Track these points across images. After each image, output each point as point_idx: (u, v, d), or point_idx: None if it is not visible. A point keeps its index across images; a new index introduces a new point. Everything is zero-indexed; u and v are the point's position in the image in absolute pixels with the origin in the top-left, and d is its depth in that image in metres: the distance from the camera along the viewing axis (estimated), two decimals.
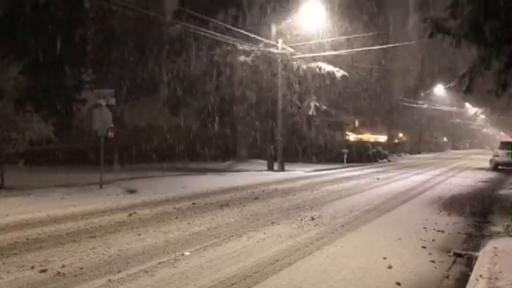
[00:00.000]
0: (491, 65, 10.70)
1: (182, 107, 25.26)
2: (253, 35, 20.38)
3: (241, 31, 19.98)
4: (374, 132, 45.31)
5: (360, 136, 41.72)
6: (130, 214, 9.00)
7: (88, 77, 24.77)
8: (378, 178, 18.59)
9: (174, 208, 9.90)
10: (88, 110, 21.06)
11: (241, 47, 21.66)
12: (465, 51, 11.94)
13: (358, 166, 26.82)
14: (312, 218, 8.90)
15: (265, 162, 22.89)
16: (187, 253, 6.16)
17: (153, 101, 25.70)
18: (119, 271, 5.33)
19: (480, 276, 5.16)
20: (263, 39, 21.23)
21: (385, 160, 34.56)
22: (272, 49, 21.75)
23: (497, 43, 9.66)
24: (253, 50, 22.04)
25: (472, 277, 5.26)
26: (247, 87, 23.81)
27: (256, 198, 11.64)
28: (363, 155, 31.55)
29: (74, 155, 20.27)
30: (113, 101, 13.49)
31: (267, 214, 9.35)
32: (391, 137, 46.17)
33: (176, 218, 8.74)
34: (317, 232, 7.75)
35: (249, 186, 14.48)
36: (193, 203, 10.55)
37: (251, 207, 10.24)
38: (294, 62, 23.00)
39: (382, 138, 45.60)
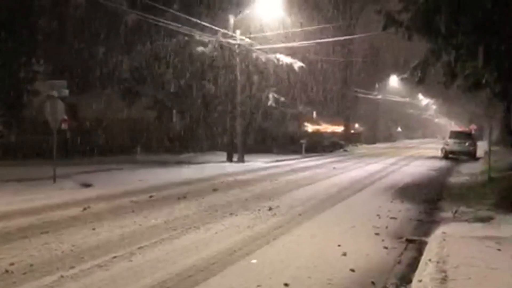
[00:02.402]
0: (441, 58, 11.08)
1: (140, 98, 24.72)
2: (210, 26, 20.18)
3: (199, 21, 19.74)
4: (331, 123, 46.03)
5: (318, 127, 42.29)
6: (85, 209, 8.76)
7: (40, 68, 23.76)
8: (334, 168, 18.96)
9: (131, 201, 9.72)
10: (40, 102, 20.25)
11: (198, 38, 21.43)
12: (419, 44, 12.28)
13: (316, 156, 27.26)
14: (270, 208, 8.99)
15: (224, 153, 22.84)
16: (143, 247, 6.08)
17: (109, 92, 25.02)
18: (72, 267, 5.19)
19: (430, 260, 5.37)
20: (220, 30, 21.06)
21: (341, 150, 35.28)
22: (230, 40, 21.64)
23: (446, 36, 10.00)
24: (211, 41, 21.85)
25: (422, 262, 5.48)
26: (206, 78, 23.61)
27: (215, 190, 11.61)
28: (321, 145, 32.11)
29: (28, 148, 19.47)
30: (66, 93, 13.05)
31: (226, 205, 9.36)
32: (347, 128, 47.09)
33: (133, 211, 8.59)
34: (274, 222, 7.84)
35: (208, 178, 14.43)
36: (151, 196, 10.39)
37: (210, 198, 10.21)
38: (253, 54, 23.00)
39: (339, 129, 46.43)
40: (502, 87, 11.02)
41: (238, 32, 21.71)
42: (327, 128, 44.21)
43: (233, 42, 21.64)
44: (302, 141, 28.97)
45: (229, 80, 22.83)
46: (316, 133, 37.61)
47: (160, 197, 10.45)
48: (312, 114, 41.67)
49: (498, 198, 9.33)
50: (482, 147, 25.82)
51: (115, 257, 5.59)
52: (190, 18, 19.51)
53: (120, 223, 7.52)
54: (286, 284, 4.73)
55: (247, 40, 21.96)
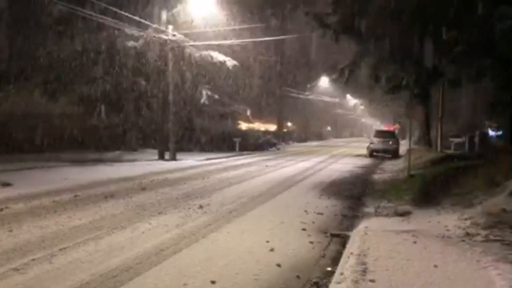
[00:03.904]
0: (366, 60, 11.62)
1: (66, 93, 23.54)
2: (140, 19, 19.67)
3: (129, 15, 19.18)
4: (264, 121, 46.69)
5: (251, 125, 42.73)
6: (1, 209, 8.21)
7: None
8: (267, 165, 19.25)
9: (53, 201, 9.24)
10: None
11: (129, 32, 20.82)
12: (348, 46, 12.77)
13: (249, 154, 27.51)
14: (201, 206, 8.95)
15: (156, 151, 22.39)
16: (65, 248, 5.82)
17: (32, 87, 23.56)
18: None
19: (351, 253, 5.63)
20: (151, 24, 20.60)
21: (274, 148, 35.87)
22: (163, 35, 21.24)
23: (371, 40, 10.50)
24: (142, 36, 21.32)
25: (344, 255, 5.73)
26: (137, 74, 23.00)
27: (144, 189, 11.35)
28: (254, 143, 32.44)
29: None
30: None
31: (155, 204, 9.18)
32: (280, 126, 47.99)
33: (55, 211, 8.18)
34: (204, 220, 7.82)
35: (138, 176, 14.06)
36: (76, 195, 9.95)
37: (138, 197, 9.97)
38: (186, 50, 22.74)
39: (272, 127, 47.20)
40: (421, 89, 11.75)
41: (170, 27, 21.36)
42: (260, 126, 44.78)
43: (165, 37, 21.26)
44: (235, 139, 29.10)
45: (161, 76, 22.39)
46: (250, 131, 37.95)
47: (86, 196, 10.03)
48: (246, 112, 42.01)
49: (416, 194, 9.94)
50: (404, 145, 27.37)
51: (33, 259, 5.31)
52: (120, 11, 18.90)
53: (41, 224, 7.13)
54: (213, 282, 4.75)
55: (180, 36, 21.67)
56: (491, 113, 12.20)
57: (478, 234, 6.40)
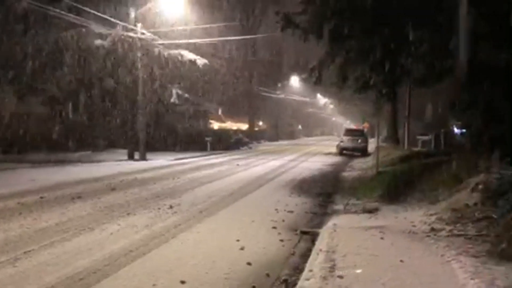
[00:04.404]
0: (335, 60, 11.78)
1: (31, 92, 22.87)
2: (108, 17, 19.33)
3: (97, 13, 18.81)
4: (236, 120, 46.68)
5: (223, 124, 42.66)
6: None
7: None
8: (238, 165, 19.26)
9: (18, 203, 8.97)
10: None
11: (97, 30, 20.42)
12: (318, 46, 12.86)
13: (221, 153, 27.43)
14: (171, 206, 8.88)
15: (125, 151, 22.06)
16: (30, 251, 5.67)
17: None
18: None
19: (320, 250, 5.71)
20: (120, 22, 20.27)
21: (246, 147, 35.89)
22: (131, 34, 20.93)
23: (339, 40, 10.66)
24: (110, 34, 20.95)
25: (313, 252, 5.80)
26: (105, 73, 22.59)
27: (113, 189, 11.16)
28: (225, 142, 32.37)
29: None
30: None
31: (124, 205, 9.04)
32: (252, 126, 48.06)
33: (20, 214, 7.95)
34: (174, 220, 7.77)
35: (107, 176, 13.82)
36: (41, 197, 9.69)
37: (107, 198, 9.79)
38: (156, 49, 22.48)
39: (244, 126, 47.23)
40: (388, 89, 12.00)
41: (139, 25, 21.07)
42: (232, 125, 44.74)
43: (134, 36, 20.96)
44: (207, 138, 28.96)
45: (130, 75, 22.07)
46: (222, 131, 37.87)
47: (53, 197, 9.78)
48: (218, 111, 41.90)
49: (384, 191, 10.15)
50: (373, 143, 27.83)
51: None
52: (87, 9, 18.51)
53: (4, 227, 6.92)
54: (182, 282, 4.73)
55: (149, 34, 21.40)
56: (454, 112, 12.60)
57: (442, 229, 6.58)
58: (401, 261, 5.16)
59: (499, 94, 8.37)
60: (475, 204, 6.98)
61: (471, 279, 4.56)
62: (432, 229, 6.62)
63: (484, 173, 7.60)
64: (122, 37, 20.93)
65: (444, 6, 8.06)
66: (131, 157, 21.40)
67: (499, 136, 8.41)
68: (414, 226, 6.97)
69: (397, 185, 10.00)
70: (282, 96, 54.41)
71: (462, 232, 6.34)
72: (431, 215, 7.40)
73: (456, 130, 22.30)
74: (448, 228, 6.59)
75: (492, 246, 5.50)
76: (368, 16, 9.57)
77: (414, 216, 7.60)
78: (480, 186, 7.20)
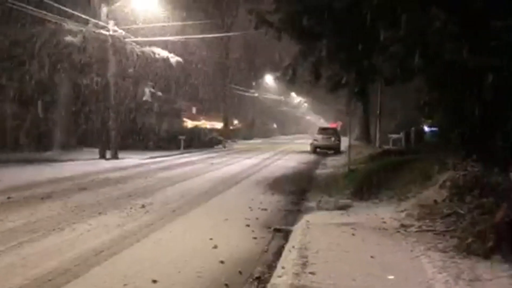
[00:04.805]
0: (308, 58, 11.83)
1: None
2: (80, 14, 18.95)
3: (67, 9, 18.40)
4: (211, 119, 46.44)
5: (197, 123, 42.34)
6: None
7: None
8: (212, 163, 19.18)
9: None
10: None
11: (67, 27, 19.99)
12: (292, 45, 12.88)
13: (195, 152, 27.25)
14: (143, 206, 8.78)
15: (97, 150, 21.66)
16: None
17: None
18: None
19: (293, 247, 5.76)
20: (91, 19, 19.89)
21: (220, 145, 35.74)
22: (103, 31, 20.55)
23: (311, 39, 10.72)
24: (81, 30, 20.54)
25: (286, 249, 5.85)
26: (76, 70, 22.11)
27: (84, 189, 10.95)
28: (200, 141, 32.17)
29: None
30: None
31: (95, 204, 8.89)
32: (227, 124, 47.93)
33: None
34: (146, 219, 7.68)
35: (77, 176, 13.54)
36: (9, 198, 9.42)
37: (77, 198, 9.60)
38: (128, 46, 22.16)
39: (218, 125, 47.05)
40: (360, 87, 12.15)
41: (111, 22, 20.70)
42: (206, 124, 44.50)
43: (106, 33, 20.59)
44: (181, 137, 28.71)
45: (102, 73, 21.67)
46: (196, 129, 37.58)
47: (21, 198, 9.53)
48: (192, 110, 41.61)
49: (355, 188, 10.30)
50: (345, 142, 28.17)
51: None
52: (58, 5, 18.08)
53: None
54: (154, 281, 4.69)
55: (121, 31, 21.07)
56: (424, 111, 12.89)
57: (412, 225, 6.74)
58: (372, 257, 5.25)
59: (467, 93, 8.60)
60: (443, 200, 7.15)
61: (439, 273, 4.69)
62: (402, 225, 6.76)
63: (452, 170, 7.79)
64: (94, 34, 20.53)
65: (411, 7, 8.23)
66: (102, 156, 21.02)
67: (466, 134, 8.64)
68: (384, 222, 7.10)
69: (369, 183, 10.17)
70: (256, 94, 54.50)
71: (431, 228, 6.50)
72: (401, 211, 7.56)
73: (426, 128, 22.82)
74: (417, 224, 6.75)
75: (459, 241, 5.66)
76: (340, 15, 9.66)
77: (385, 212, 7.75)
78: (448, 183, 7.38)
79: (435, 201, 7.25)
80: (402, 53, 9.04)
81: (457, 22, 8.04)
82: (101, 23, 20.33)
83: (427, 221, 6.78)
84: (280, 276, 4.69)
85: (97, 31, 20.38)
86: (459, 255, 5.29)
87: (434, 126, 16.75)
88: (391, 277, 4.59)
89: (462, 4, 7.38)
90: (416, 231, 6.45)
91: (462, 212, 6.47)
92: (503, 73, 7.44)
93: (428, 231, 6.41)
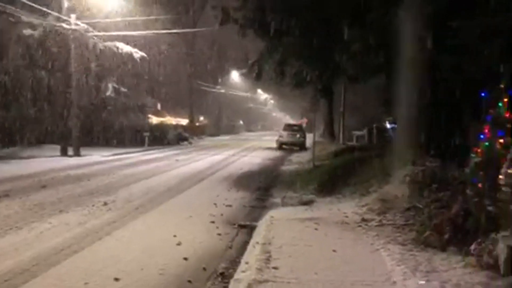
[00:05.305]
0: (273, 56, 11.92)
1: None
2: (40, 7, 18.35)
3: (26, 1, 17.78)
4: (176, 115, 45.94)
5: (162, 119, 41.79)
6: None
7: None
8: (177, 160, 19.01)
9: None
10: None
11: (26, 19, 19.31)
12: (259, 41, 12.92)
13: (160, 148, 26.92)
14: (105, 203, 8.61)
15: (58, 147, 21.06)
16: None
17: None
18: None
19: (257, 242, 5.80)
20: (52, 12, 19.29)
21: (186, 142, 35.46)
22: (64, 25, 19.98)
23: (276, 36, 10.80)
24: (41, 24, 19.89)
25: (250, 245, 5.88)
26: (36, 64, 21.42)
27: (44, 186, 10.62)
28: (165, 138, 31.81)
29: None
30: None
31: (55, 202, 8.65)
32: (192, 120, 47.56)
33: None
34: (109, 217, 7.56)
35: (37, 173, 13.12)
36: None
37: (37, 196, 9.30)
38: (91, 41, 21.63)
39: (185, 121, 46.63)
40: (324, 85, 12.34)
41: (73, 16, 20.15)
42: (172, 120, 44.00)
43: (67, 26, 20.03)
44: (145, 133, 28.29)
45: (64, 67, 21.07)
46: (161, 125, 37.07)
47: None
48: (157, 106, 41.03)
49: (319, 184, 10.47)
50: (311, 138, 28.50)
51: None
52: None
53: None
54: (116, 279, 4.63)
55: (83, 25, 20.54)
56: (386, 108, 13.22)
57: (373, 220, 6.92)
58: (334, 250, 5.36)
59: (425, 91, 8.87)
60: (403, 195, 7.37)
61: (398, 265, 4.84)
62: (363, 220, 6.93)
63: (412, 166, 8.03)
64: (55, 27, 19.92)
65: (375, 6, 8.42)
66: (64, 153, 20.47)
67: (425, 131, 8.91)
68: (346, 217, 7.26)
69: (332, 178, 10.37)
70: (223, 91, 54.31)
71: (390, 222, 6.69)
72: (362, 206, 7.74)
73: (388, 125, 23.38)
74: (378, 218, 6.93)
75: (417, 234, 5.85)
76: (305, 13, 9.77)
77: (347, 207, 7.91)
78: (407, 178, 7.60)
79: (395, 195, 7.46)
80: (364, 51, 9.23)
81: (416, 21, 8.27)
82: (62, 16, 19.76)
83: (387, 215, 6.98)
84: (243, 272, 4.72)
85: (58, 24, 19.80)
86: (417, 247, 5.47)
87: (395, 123, 17.22)
88: (351, 269, 4.70)
89: (419, 4, 7.59)
90: (377, 225, 6.63)
91: (420, 206, 6.67)
92: (460, 72, 7.72)
93: (388, 225, 6.59)
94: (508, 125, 5.28)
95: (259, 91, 67.57)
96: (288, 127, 30.90)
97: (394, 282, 4.35)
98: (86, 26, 20.65)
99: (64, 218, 7.35)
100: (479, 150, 5.57)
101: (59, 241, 5.94)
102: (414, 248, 5.45)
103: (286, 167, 17.06)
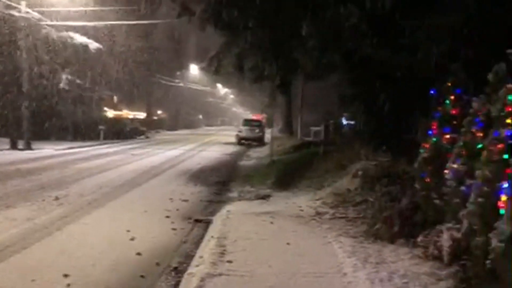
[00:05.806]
0: (232, 50, 11.90)
1: None
2: None
3: None
4: (133, 108, 45.07)
5: (118, 113, 40.87)
6: None
7: None
8: (133, 154, 18.65)
9: None
10: None
11: None
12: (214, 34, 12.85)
13: (115, 142, 26.33)
14: (57, 198, 8.35)
15: (7, 140, 20.18)
16: None
17: None
18: None
19: (212, 236, 5.80)
20: None
21: (143, 136, 34.84)
22: (14, 12, 19.10)
23: (235, 30, 10.78)
24: None
25: (205, 239, 5.88)
26: None
27: None
28: (121, 131, 31.12)
29: None
30: None
31: (2, 197, 8.27)
32: (150, 114, 46.80)
33: None
34: (60, 212, 7.34)
35: None
36: None
37: None
38: (43, 30, 20.79)
39: (142, 115, 45.81)
40: (281, 80, 12.45)
41: (23, 3, 19.29)
42: (128, 114, 43.10)
43: (17, 14, 19.16)
44: (100, 127, 27.58)
45: (13, 58, 20.16)
46: (117, 119, 36.23)
47: None
48: (113, 98, 40.05)
49: (276, 178, 10.58)
50: (270, 133, 28.66)
51: None
52: None
53: None
54: (66, 275, 4.50)
55: (35, 14, 19.72)
56: (342, 104, 13.50)
57: (326, 213, 7.07)
58: (288, 243, 5.44)
59: (378, 88, 9.13)
60: (356, 189, 7.59)
61: (348, 257, 4.97)
62: (317, 213, 7.07)
63: (364, 160, 8.27)
64: (4, 15, 19.00)
65: (327, 2, 8.55)
66: (14, 146, 19.66)
67: (377, 126, 9.19)
68: (301, 210, 7.38)
69: (288, 173, 10.50)
70: (181, 84, 53.67)
71: (343, 215, 6.87)
72: (317, 200, 7.90)
73: (344, 121, 23.85)
74: (331, 211, 7.10)
75: (368, 226, 6.03)
76: (262, 8, 9.79)
77: (302, 201, 8.05)
78: (360, 173, 7.82)
79: (348, 189, 7.67)
80: (320, 48, 9.36)
81: (368, 19, 8.47)
82: (12, 3, 18.88)
83: (340, 208, 7.16)
84: (197, 266, 4.72)
85: (7, 12, 18.91)
86: (368, 240, 5.64)
87: (350, 119, 17.58)
88: (304, 262, 4.79)
89: (372, 2, 7.77)
90: (330, 218, 6.78)
91: (371, 199, 6.88)
92: (409, 69, 7.98)
93: (341, 218, 6.76)
94: (454, 122, 5.50)
95: (219, 85, 67.22)
96: (247, 122, 30.98)
97: (345, 274, 4.47)
98: (38, 14, 19.83)
99: (11, 213, 7.07)
100: (427, 146, 5.78)
101: (5, 237, 5.71)
102: (365, 241, 5.61)
103: (245, 162, 17.11)
